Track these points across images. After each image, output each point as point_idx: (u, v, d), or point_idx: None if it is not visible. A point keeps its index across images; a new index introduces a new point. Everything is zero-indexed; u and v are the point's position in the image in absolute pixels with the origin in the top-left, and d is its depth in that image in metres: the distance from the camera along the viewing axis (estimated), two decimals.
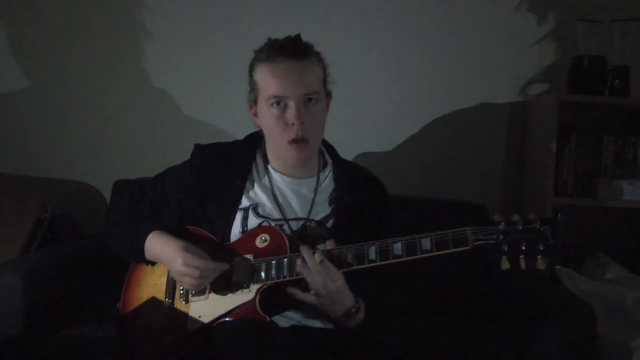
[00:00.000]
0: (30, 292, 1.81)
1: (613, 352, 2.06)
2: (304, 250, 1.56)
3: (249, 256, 1.64)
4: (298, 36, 1.67)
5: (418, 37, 2.62)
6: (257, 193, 1.74)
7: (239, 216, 1.71)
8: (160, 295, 1.71)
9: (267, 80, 1.64)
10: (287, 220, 1.71)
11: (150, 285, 1.74)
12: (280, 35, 1.69)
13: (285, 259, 1.60)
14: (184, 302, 1.68)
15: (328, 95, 1.72)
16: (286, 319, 1.66)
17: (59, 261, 2.03)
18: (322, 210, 1.73)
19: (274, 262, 1.60)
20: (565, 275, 2.34)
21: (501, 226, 1.49)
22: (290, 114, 1.63)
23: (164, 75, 2.61)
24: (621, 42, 2.47)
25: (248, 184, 1.75)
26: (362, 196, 1.75)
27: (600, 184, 2.44)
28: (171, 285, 1.71)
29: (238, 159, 1.77)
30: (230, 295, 1.63)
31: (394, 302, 1.74)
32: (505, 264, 1.48)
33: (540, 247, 1.47)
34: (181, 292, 1.69)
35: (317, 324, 1.69)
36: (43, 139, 2.63)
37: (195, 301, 1.66)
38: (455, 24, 2.62)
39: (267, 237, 1.65)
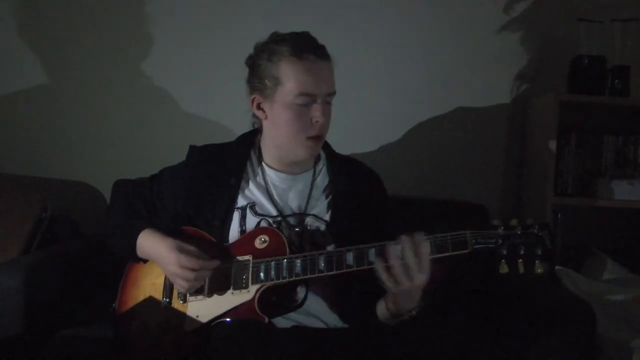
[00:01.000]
0: (30, 292, 1.81)
1: (613, 352, 2.05)
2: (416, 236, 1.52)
3: (248, 257, 1.64)
4: (309, 33, 1.67)
5: (418, 36, 2.61)
6: (252, 191, 1.74)
7: (236, 216, 1.71)
8: (158, 294, 1.71)
9: (299, 77, 1.62)
10: (284, 216, 1.71)
11: (147, 285, 1.74)
12: None
13: (285, 260, 1.60)
14: (181, 302, 1.67)
15: None
16: (286, 320, 1.66)
17: (59, 261, 2.03)
18: (318, 204, 1.74)
19: (273, 263, 1.60)
20: (565, 275, 2.33)
21: (500, 230, 1.49)
22: (318, 111, 1.63)
23: (164, 75, 2.61)
24: (621, 42, 2.47)
25: (243, 182, 1.75)
26: (357, 186, 1.76)
27: (600, 184, 2.44)
28: (169, 284, 1.71)
29: (232, 159, 1.77)
30: (228, 295, 1.63)
31: None
32: (503, 268, 1.49)
33: (539, 251, 1.48)
34: (179, 291, 1.69)
35: (317, 324, 1.69)
36: (43, 139, 2.63)
37: (193, 301, 1.66)
38: (455, 23, 2.61)
39: (267, 238, 1.65)
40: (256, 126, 1.80)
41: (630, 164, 2.51)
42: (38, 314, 1.84)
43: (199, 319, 1.63)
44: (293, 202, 1.73)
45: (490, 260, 1.49)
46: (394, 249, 1.51)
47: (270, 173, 1.75)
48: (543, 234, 1.48)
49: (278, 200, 1.73)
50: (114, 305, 1.77)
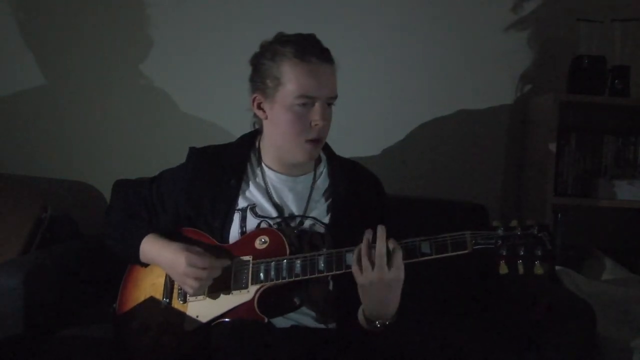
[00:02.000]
0: (30, 292, 1.81)
1: (613, 352, 2.06)
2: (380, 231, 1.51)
3: (249, 258, 1.64)
4: (314, 36, 1.67)
5: (417, 37, 2.62)
6: (253, 193, 1.74)
7: (237, 217, 1.71)
8: (158, 295, 1.71)
9: (300, 79, 1.61)
10: (284, 218, 1.71)
11: (148, 285, 1.74)
12: None
13: (285, 261, 1.59)
14: (181, 302, 1.67)
15: None
16: (286, 320, 1.66)
17: (59, 261, 2.03)
18: (318, 207, 1.74)
19: (273, 263, 1.60)
20: (565, 275, 2.34)
21: (500, 231, 1.49)
22: (317, 114, 1.63)
23: (164, 75, 2.62)
24: (621, 42, 2.47)
25: (243, 184, 1.74)
26: (357, 190, 1.76)
27: (600, 184, 2.44)
28: (169, 284, 1.71)
29: (232, 160, 1.77)
30: (228, 295, 1.63)
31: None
32: (503, 269, 1.49)
33: (539, 252, 1.47)
34: (179, 291, 1.69)
35: (316, 324, 1.69)
36: (43, 139, 2.63)
37: (193, 301, 1.66)
38: (455, 23, 2.62)
39: (267, 239, 1.65)
40: (257, 126, 1.80)
41: (630, 164, 2.51)
42: (38, 314, 1.84)
43: (198, 319, 1.63)
44: (293, 204, 1.73)
45: (489, 261, 1.49)
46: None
47: (270, 174, 1.75)
48: (543, 234, 1.48)
49: (278, 202, 1.73)
50: (114, 305, 1.77)
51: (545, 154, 2.42)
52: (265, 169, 1.76)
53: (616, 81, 2.44)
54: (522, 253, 1.47)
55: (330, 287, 1.69)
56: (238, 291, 1.62)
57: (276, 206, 1.72)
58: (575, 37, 2.49)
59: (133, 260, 1.74)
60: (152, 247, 1.68)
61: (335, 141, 1.84)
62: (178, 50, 2.60)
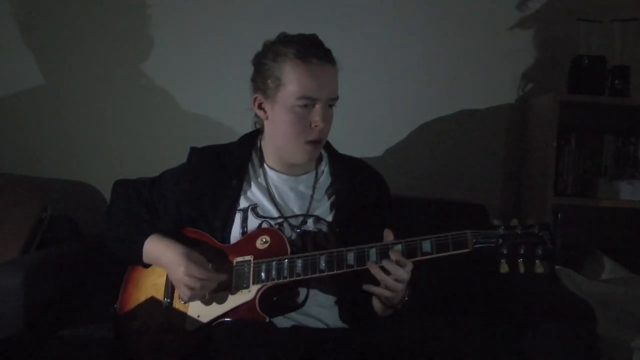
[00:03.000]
0: (30, 292, 1.81)
1: (613, 352, 2.06)
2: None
3: (250, 257, 1.64)
4: (317, 36, 1.67)
5: (417, 37, 2.62)
6: (254, 193, 1.74)
7: (238, 217, 1.71)
8: (159, 295, 1.71)
9: (301, 80, 1.61)
10: (285, 218, 1.71)
11: (149, 286, 1.74)
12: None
13: (286, 260, 1.59)
14: (182, 302, 1.67)
15: None
16: (286, 319, 1.66)
17: (59, 261, 2.03)
18: (321, 205, 1.74)
19: (274, 263, 1.60)
20: (565, 275, 2.34)
21: (501, 230, 1.49)
22: (318, 116, 1.63)
23: (164, 75, 2.61)
24: (621, 42, 2.47)
25: (245, 184, 1.74)
26: (359, 186, 1.76)
27: (600, 184, 2.44)
28: (170, 285, 1.70)
29: (234, 160, 1.77)
30: (229, 295, 1.63)
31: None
32: (504, 268, 1.49)
33: (539, 251, 1.48)
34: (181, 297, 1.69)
35: (317, 324, 1.69)
36: (43, 139, 2.63)
37: (194, 301, 1.66)
38: (455, 24, 2.62)
39: (268, 239, 1.64)
40: (258, 126, 1.80)
41: (630, 164, 2.51)
42: (38, 314, 1.84)
43: (199, 319, 1.63)
44: (295, 204, 1.73)
45: (490, 259, 1.49)
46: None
47: (271, 174, 1.75)
48: (543, 233, 1.48)
49: (280, 202, 1.73)
50: (115, 305, 1.76)
51: (545, 154, 2.42)
52: (267, 169, 1.76)
53: (616, 81, 2.44)
54: (522, 252, 1.48)
55: (332, 286, 1.69)
56: (239, 291, 1.62)
57: (278, 206, 1.72)
58: (575, 37, 2.49)
59: (134, 260, 1.74)
60: (155, 247, 1.68)
61: (335, 141, 1.84)
62: (178, 50, 2.60)
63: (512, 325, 1.98)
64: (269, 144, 1.76)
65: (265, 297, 1.60)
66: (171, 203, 1.77)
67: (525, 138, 2.64)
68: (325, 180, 1.77)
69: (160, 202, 1.78)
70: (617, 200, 2.42)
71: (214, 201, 1.73)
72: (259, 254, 1.63)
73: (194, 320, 1.64)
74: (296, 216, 1.71)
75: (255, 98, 1.70)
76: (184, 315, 1.65)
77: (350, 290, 1.66)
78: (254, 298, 1.59)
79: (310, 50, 1.63)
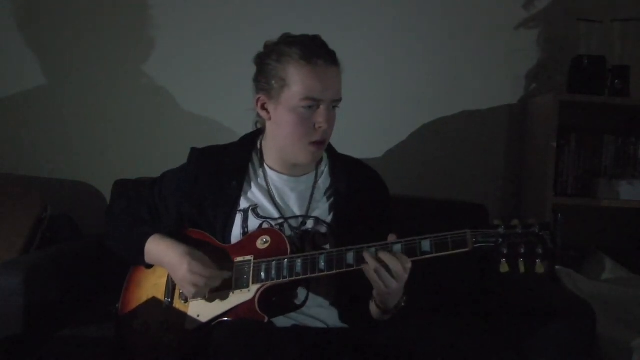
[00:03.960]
0: (30, 292, 1.81)
1: (613, 352, 2.06)
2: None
3: (250, 257, 1.64)
4: (321, 38, 1.66)
5: (418, 37, 2.62)
6: (255, 194, 1.74)
7: (238, 218, 1.71)
8: (160, 295, 1.71)
9: (306, 82, 1.61)
10: (285, 218, 1.71)
11: (150, 286, 1.74)
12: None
13: (286, 260, 1.59)
14: (183, 302, 1.68)
15: None
16: (286, 319, 1.66)
17: (59, 261, 2.03)
18: (320, 206, 1.74)
19: (274, 262, 1.60)
20: (565, 275, 2.34)
21: (501, 229, 1.49)
22: (322, 117, 1.63)
23: (165, 75, 2.61)
24: (621, 42, 2.47)
25: (245, 185, 1.74)
26: (359, 187, 1.76)
27: (600, 184, 2.44)
28: (171, 284, 1.71)
29: (234, 161, 1.77)
30: (229, 295, 1.63)
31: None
32: (504, 267, 1.49)
33: (540, 251, 1.47)
34: (181, 292, 1.69)
35: (317, 324, 1.69)
36: (43, 139, 2.63)
37: (195, 301, 1.66)
38: (455, 24, 2.62)
39: (268, 239, 1.64)
40: (259, 126, 1.79)
41: (630, 164, 2.51)
42: (38, 314, 1.84)
43: (199, 318, 1.63)
44: (295, 205, 1.73)
45: (490, 259, 1.49)
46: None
47: (272, 175, 1.75)
48: (544, 233, 1.48)
49: (280, 203, 1.73)
50: (117, 305, 1.77)
51: (545, 154, 2.42)
52: (267, 169, 1.76)
53: (616, 81, 2.44)
54: (523, 251, 1.47)
55: (332, 287, 1.69)
56: (239, 290, 1.62)
57: (278, 207, 1.72)
58: (575, 37, 2.49)
59: (136, 261, 1.74)
60: (157, 248, 1.68)
61: (335, 141, 1.84)
62: (179, 50, 2.60)
63: (512, 325, 1.98)
64: (270, 145, 1.75)
65: (264, 297, 1.60)
66: (172, 204, 1.77)
67: (525, 138, 2.64)
68: (325, 180, 1.77)
69: (161, 202, 1.78)
70: (617, 200, 2.42)
71: (215, 202, 1.73)
72: (259, 254, 1.63)
73: (194, 320, 1.64)
74: (296, 217, 1.71)
75: (259, 98, 1.70)
76: (184, 315, 1.65)
77: (349, 290, 1.66)
78: (254, 298, 1.59)
79: (316, 51, 1.62)
